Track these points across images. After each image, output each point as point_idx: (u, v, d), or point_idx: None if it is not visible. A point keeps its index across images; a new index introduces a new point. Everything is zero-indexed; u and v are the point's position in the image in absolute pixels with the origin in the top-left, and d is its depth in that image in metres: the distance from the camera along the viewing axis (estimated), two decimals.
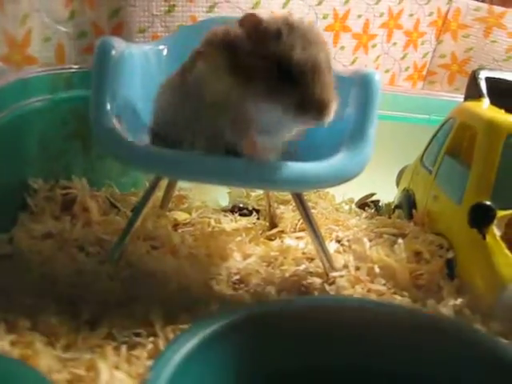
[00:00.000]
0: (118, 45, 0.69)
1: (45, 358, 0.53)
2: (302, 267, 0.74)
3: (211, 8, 0.95)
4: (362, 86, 0.69)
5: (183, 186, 0.92)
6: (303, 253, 0.78)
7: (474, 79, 0.86)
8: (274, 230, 0.85)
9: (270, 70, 0.58)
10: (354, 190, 0.97)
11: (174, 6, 0.93)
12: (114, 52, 0.67)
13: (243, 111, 0.61)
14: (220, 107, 0.61)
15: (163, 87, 0.70)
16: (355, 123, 0.67)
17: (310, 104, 0.57)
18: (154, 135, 0.69)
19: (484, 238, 0.68)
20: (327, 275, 0.72)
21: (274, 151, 0.64)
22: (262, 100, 0.59)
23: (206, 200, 0.93)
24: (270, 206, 0.87)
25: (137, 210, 0.71)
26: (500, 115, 0.76)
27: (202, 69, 0.63)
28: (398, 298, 0.69)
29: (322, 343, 0.54)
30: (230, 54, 0.60)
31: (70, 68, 0.88)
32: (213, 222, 0.86)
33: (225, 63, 0.60)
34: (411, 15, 1.18)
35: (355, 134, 0.66)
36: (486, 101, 0.82)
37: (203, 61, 0.63)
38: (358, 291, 0.69)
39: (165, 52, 0.82)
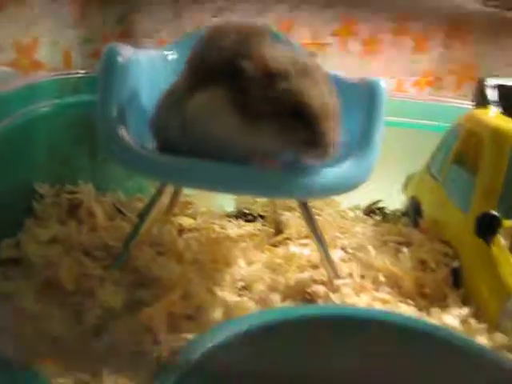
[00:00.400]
0: (125, 51, 0.68)
1: (49, 364, 0.53)
2: (307, 275, 0.74)
3: (218, 14, 0.95)
4: (368, 93, 0.68)
5: (188, 191, 0.92)
6: (308, 260, 0.78)
7: (480, 86, 0.85)
8: (279, 237, 0.85)
9: (279, 110, 0.59)
10: (359, 197, 0.97)
11: (180, 11, 0.93)
12: (120, 58, 0.67)
13: (248, 146, 0.61)
14: (224, 143, 0.61)
15: (158, 108, 0.70)
16: (361, 130, 0.67)
17: (316, 144, 0.59)
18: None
19: (490, 247, 0.68)
20: (332, 283, 0.71)
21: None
22: (269, 137, 0.60)
23: (211, 206, 0.93)
24: (275, 212, 0.87)
25: (142, 216, 0.71)
26: (506, 123, 0.76)
27: (203, 104, 0.62)
28: (403, 306, 0.68)
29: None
30: (234, 93, 0.60)
31: (77, 73, 0.88)
32: (218, 228, 0.86)
33: (229, 102, 0.60)
34: (419, 20, 1.18)
35: (361, 141, 0.66)
36: (492, 108, 0.82)
37: (204, 95, 0.62)
38: (363, 299, 0.69)
39: (171, 58, 0.82)
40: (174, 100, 0.67)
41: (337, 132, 0.60)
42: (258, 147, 0.61)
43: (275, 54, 0.60)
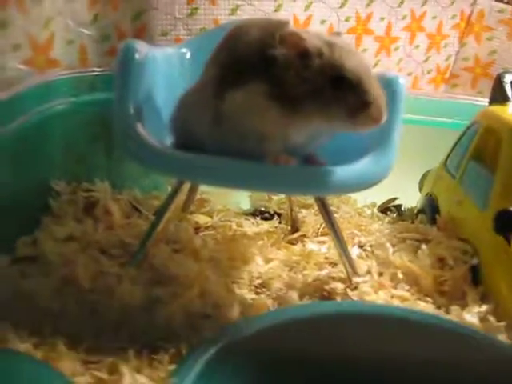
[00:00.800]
0: (141, 48, 0.68)
1: (68, 361, 0.53)
2: (325, 272, 0.74)
3: (234, 11, 0.95)
4: (386, 90, 0.68)
5: (205, 189, 0.92)
6: (326, 257, 0.78)
7: (499, 83, 0.85)
8: (296, 235, 0.85)
9: (320, 85, 0.58)
10: (376, 195, 0.97)
11: (196, 9, 0.93)
12: (137, 55, 0.67)
13: (288, 136, 0.61)
14: (265, 137, 0.61)
15: (183, 105, 0.70)
16: (380, 128, 0.66)
17: (371, 105, 0.58)
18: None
19: (509, 244, 0.67)
20: (350, 281, 0.71)
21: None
22: (318, 117, 0.60)
23: (227, 204, 0.93)
24: (291, 209, 0.87)
25: (159, 214, 0.71)
26: None
27: (243, 101, 0.61)
28: (422, 303, 0.68)
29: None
30: (270, 85, 0.60)
31: (93, 71, 0.88)
32: (234, 226, 0.86)
33: (267, 96, 0.60)
34: (434, 18, 1.17)
35: (380, 138, 0.65)
36: (511, 105, 0.81)
37: (241, 92, 0.61)
38: (381, 297, 0.68)
39: (188, 55, 0.82)
40: (201, 97, 0.66)
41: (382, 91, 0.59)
42: (302, 134, 0.61)
43: (303, 35, 0.59)
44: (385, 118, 0.58)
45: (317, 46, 0.59)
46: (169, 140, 0.71)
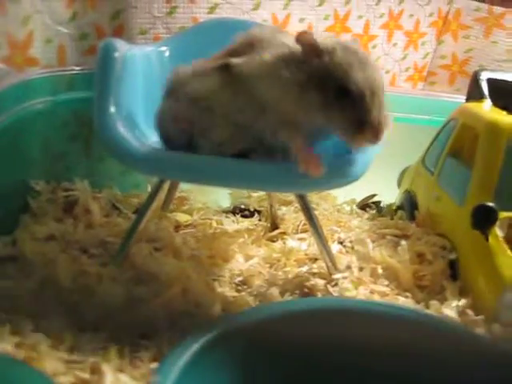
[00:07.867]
0: (121, 46, 0.69)
1: (49, 361, 0.53)
2: (305, 269, 0.74)
3: (212, 9, 0.95)
4: None
5: (184, 187, 0.92)
6: (306, 254, 0.78)
7: (475, 80, 0.86)
8: (276, 232, 0.85)
9: (327, 84, 0.59)
10: (355, 191, 0.97)
11: (175, 7, 0.93)
12: (117, 54, 0.67)
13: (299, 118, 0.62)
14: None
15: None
16: None
17: (367, 126, 0.58)
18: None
19: (487, 239, 0.68)
20: (330, 276, 0.71)
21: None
22: (318, 113, 0.60)
23: (206, 201, 0.93)
24: (271, 207, 0.87)
25: (140, 213, 0.71)
26: (502, 117, 0.76)
27: (270, 81, 0.62)
28: (402, 299, 0.69)
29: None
30: (292, 69, 0.61)
31: (72, 70, 0.88)
32: (214, 224, 0.86)
33: (290, 77, 0.61)
34: (411, 16, 1.18)
35: None
36: (487, 102, 0.82)
37: (271, 76, 0.62)
38: (362, 292, 0.69)
39: (167, 53, 0.82)
40: None
41: (386, 112, 0.59)
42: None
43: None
44: (381, 139, 0.59)
45: (330, 45, 0.60)
46: (149, 137, 0.71)
